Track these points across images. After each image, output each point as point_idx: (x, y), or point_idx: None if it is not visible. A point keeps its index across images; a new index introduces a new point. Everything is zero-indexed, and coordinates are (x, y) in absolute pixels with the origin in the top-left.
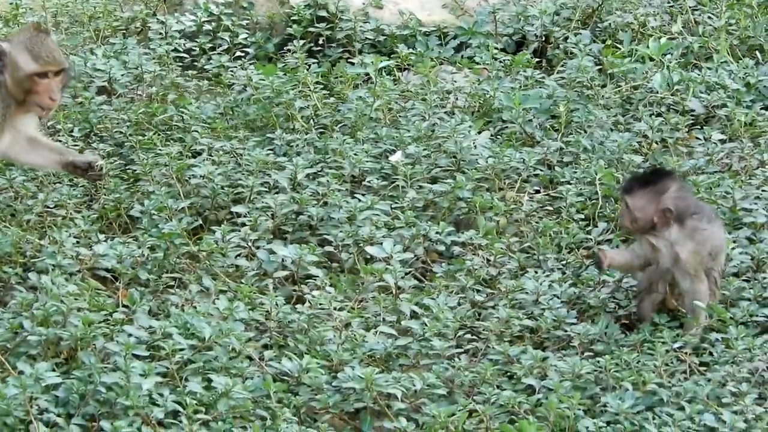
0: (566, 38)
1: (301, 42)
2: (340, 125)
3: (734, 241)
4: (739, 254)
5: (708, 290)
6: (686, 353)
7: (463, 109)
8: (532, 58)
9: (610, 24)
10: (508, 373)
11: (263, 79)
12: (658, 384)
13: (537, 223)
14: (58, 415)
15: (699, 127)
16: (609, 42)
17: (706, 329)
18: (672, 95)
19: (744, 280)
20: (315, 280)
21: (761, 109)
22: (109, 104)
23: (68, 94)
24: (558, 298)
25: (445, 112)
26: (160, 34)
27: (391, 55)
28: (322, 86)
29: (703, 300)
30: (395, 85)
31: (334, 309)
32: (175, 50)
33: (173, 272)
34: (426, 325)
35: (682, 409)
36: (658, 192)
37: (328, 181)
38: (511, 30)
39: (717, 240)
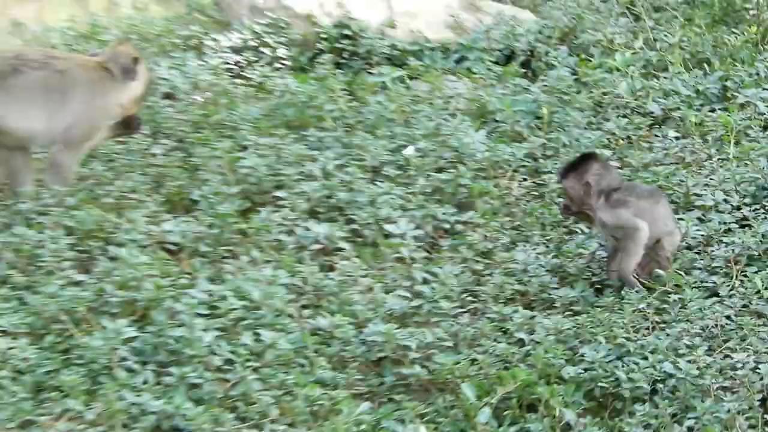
0: (547, 53)
1: (329, 56)
2: (362, 124)
3: (687, 220)
4: (694, 231)
5: (640, 249)
6: (649, 313)
7: (463, 111)
8: (519, 69)
9: (583, 41)
10: (503, 329)
11: (298, 87)
12: (626, 338)
13: (525, 205)
14: (135, 363)
15: (658, 126)
16: (583, 56)
17: (665, 293)
18: (635, 100)
19: (696, 253)
20: (343, 252)
21: (709, 111)
22: (172, 107)
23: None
24: (543, 267)
25: (448, 114)
26: (214, 49)
27: (403, 67)
28: (347, 92)
29: (629, 259)
30: (407, 91)
31: (359, 276)
32: (226, 63)
33: (227, 245)
34: (435, 289)
35: (645, 358)
36: (582, 171)
37: (352, 170)
38: (502, 46)
39: (645, 213)
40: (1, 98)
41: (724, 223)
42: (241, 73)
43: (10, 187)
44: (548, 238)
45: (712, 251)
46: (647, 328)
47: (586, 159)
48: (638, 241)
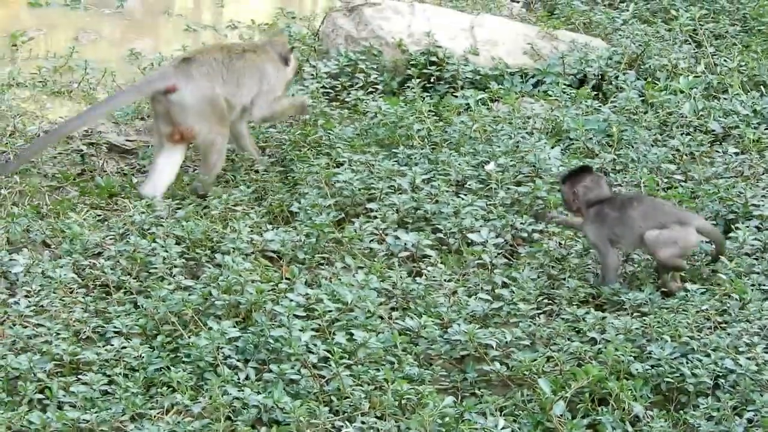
0: (617, 77)
1: (418, 80)
2: (447, 143)
3: (745, 229)
4: (751, 239)
5: (614, 263)
6: (711, 313)
7: (540, 130)
8: (591, 91)
9: (650, 66)
10: (576, 329)
11: (389, 108)
12: (690, 337)
13: None
14: (238, 360)
15: (718, 143)
16: (649, 79)
17: (725, 295)
18: (698, 119)
19: (754, 258)
20: (429, 258)
21: (765, 129)
22: (274, 127)
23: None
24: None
25: (526, 132)
26: (312, 75)
27: (485, 90)
28: (433, 113)
29: (607, 270)
30: (489, 112)
31: (444, 280)
32: (323, 87)
33: (323, 253)
34: (513, 292)
35: (708, 356)
36: (575, 182)
37: (438, 184)
38: (576, 71)
39: (624, 226)
40: (231, 80)
41: None
42: (337, 96)
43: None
44: (619, 245)
45: None
46: (709, 328)
47: (579, 171)
48: (608, 265)
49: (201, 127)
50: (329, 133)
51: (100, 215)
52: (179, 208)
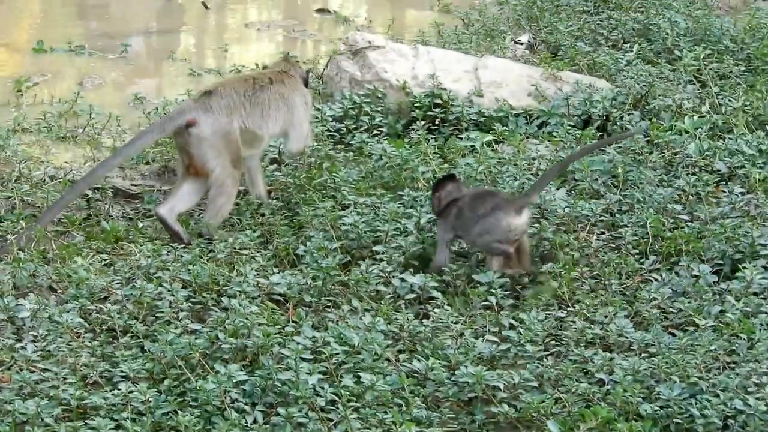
0: (622, 117)
1: (422, 123)
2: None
3: (752, 269)
4: (759, 278)
5: (441, 261)
6: (720, 353)
7: (545, 171)
8: (596, 132)
9: (654, 106)
10: (584, 370)
11: (394, 151)
12: (699, 377)
13: (603, 256)
14: (245, 404)
15: (724, 183)
16: (654, 119)
17: (733, 335)
18: (703, 159)
19: (762, 298)
20: (436, 300)
21: None
22: (279, 171)
23: None
24: (620, 313)
25: (531, 174)
26: (317, 118)
27: (490, 132)
28: (438, 155)
29: (434, 264)
30: (494, 154)
31: (451, 322)
32: (328, 130)
33: (329, 296)
34: (521, 333)
35: (717, 396)
36: (439, 188)
37: None
38: (580, 111)
39: (465, 221)
40: (255, 112)
41: None
42: (341, 139)
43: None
44: (624, 286)
45: None
46: (718, 368)
47: (444, 179)
48: (435, 261)
49: (215, 164)
50: (334, 176)
51: (106, 260)
52: (186, 252)
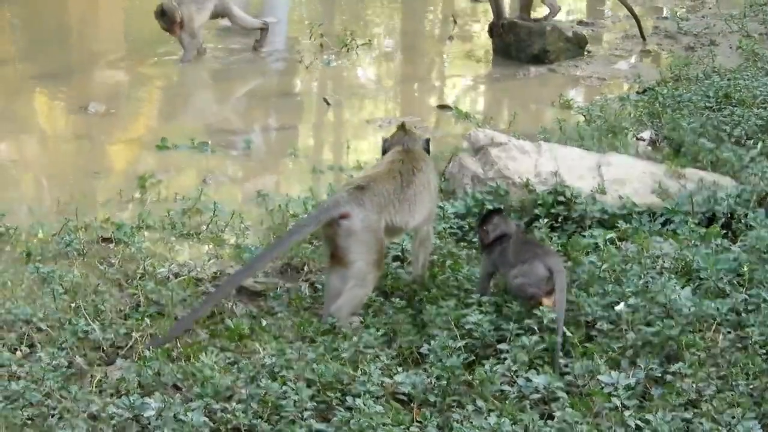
0: (746, 215)
1: (545, 220)
2: (576, 283)
3: None
4: None
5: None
6: None
7: (669, 269)
8: (720, 230)
9: None
10: None
11: None
12: None
13: (730, 356)
14: None
15: None
16: None
17: None
18: None
19: None
20: (560, 401)
21: None
22: (402, 268)
23: None
24: (749, 412)
25: (656, 272)
26: (439, 215)
27: (614, 229)
28: (561, 253)
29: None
30: (617, 252)
31: (575, 422)
32: (450, 227)
33: (454, 395)
34: None
35: None
36: (486, 222)
37: (568, 326)
38: (704, 209)
39: (507, 262)
40: (403, 209)
41: None
42: (464, 237)
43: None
44: (752, 387)
45: None
46: None
47: (490, 213)
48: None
49: (358, 258)
50: (457, 274)
51: (230, 358)
52: (311, 351)
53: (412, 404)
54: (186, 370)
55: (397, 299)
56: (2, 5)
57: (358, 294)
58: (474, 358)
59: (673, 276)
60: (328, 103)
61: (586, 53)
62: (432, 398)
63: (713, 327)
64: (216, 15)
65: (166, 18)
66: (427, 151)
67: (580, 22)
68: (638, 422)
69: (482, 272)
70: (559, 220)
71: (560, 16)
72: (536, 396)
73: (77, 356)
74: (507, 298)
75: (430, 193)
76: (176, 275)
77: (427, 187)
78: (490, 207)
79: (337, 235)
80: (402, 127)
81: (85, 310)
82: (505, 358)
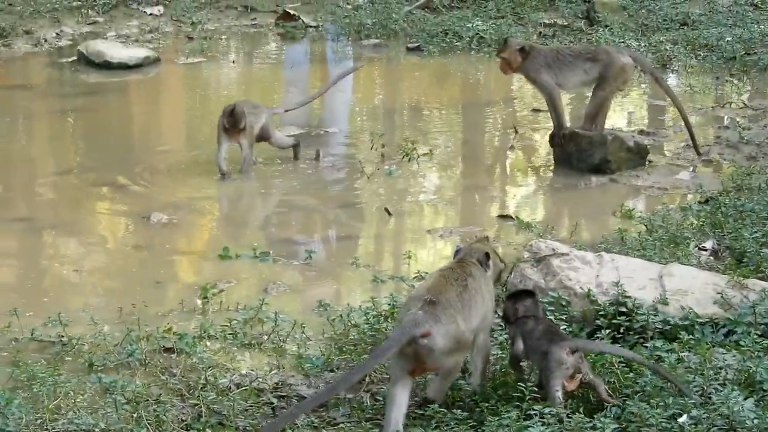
0: None
1: (607, 331)
2: (638, 394)
3: None
4: None
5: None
6: None
7: (732, 381)
8: None
9: None
10: None
11: None
12: None
13: None
14: None
15: None
16: None
17: None
18: None
19: None
20: None
21: None
22: (463, 379)
23: None
24: None
25: (718, 384)
26: (500, 325)
27: (676, 340)
28: (623, 364)
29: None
30: (679, 363)
31: None
32: None
33: None
34: None
35: None
36: (517, 301)
37: None
38: (767, 320)
39: (531, 345)
40: (467, 315)
41: None
42: None
43: None
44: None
45: None
46: None
47: (522, 293)
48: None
49: (446, 362)
50: (519, 385)
51: None
52: None
53: None
54: None
55: (459, 410)
56: (66, 114)
57: (450, 381)
58: None
59: (736, 387)
60: (389, 213)
61: (647, 163)
62: None
63: None
64: (260, 136)
65: (233, 119)
66: (483, 264)
67: (641, 132)
68: None
69: (511, 339)
70: (621, 330)
71: (621, 126)
72: None
73: None
74: (571, 407)
75: (483, 297)
76: (238, 385)
77: (479, 291)
78: (522, 288)
79: (419, 354)
80: (479, 239)
81: (147, 420)
82: None
